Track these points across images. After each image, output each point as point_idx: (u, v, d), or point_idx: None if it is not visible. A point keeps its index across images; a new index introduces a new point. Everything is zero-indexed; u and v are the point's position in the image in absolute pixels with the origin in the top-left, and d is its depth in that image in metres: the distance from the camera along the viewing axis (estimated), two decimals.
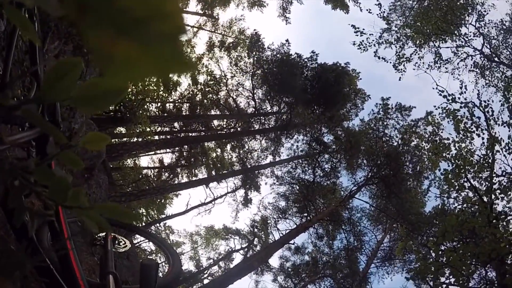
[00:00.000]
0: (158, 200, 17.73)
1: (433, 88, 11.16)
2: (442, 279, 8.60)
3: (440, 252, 9.63)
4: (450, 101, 10.56)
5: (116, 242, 2.03)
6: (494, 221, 8.21)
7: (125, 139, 15.06)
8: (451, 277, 8.14)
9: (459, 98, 10.49)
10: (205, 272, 19.18)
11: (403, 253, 13.44)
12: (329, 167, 17.17)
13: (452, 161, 10.00)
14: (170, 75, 0.25)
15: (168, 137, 17.80)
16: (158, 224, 18.56)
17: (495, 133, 9.15)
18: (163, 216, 18.25)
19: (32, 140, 1.40)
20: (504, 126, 8.89)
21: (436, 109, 10.39)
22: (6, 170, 0.55)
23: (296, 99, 16.45)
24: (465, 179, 9.39)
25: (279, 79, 15.75)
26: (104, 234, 1.94)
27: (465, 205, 9.87)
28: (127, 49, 0.23)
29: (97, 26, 0.23)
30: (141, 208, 17.38)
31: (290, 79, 15.63)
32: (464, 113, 10.22)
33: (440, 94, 10.95)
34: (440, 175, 12.13)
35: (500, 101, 9.57)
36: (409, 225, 12.43)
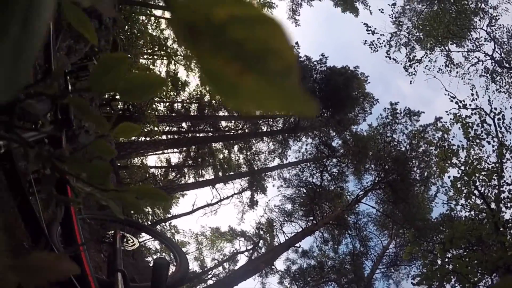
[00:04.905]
0: None
1: (445, 94, 11.12)
2: (448, 286, 8.50)
3: (446, 259, 9.51)
4: (461, 107, 10.47)
5: (125, 240, 2.03)
6: (501, 229, 8.10)
7: (133, 138, 15.18)
8: (456, 284, 8.04)
9: (470, 104, 10.39)
10: (209, 273, 19.19)
11: (409, 259, 13.30)
12: (337, 171, 17.08)
13: (461, 167, 9.90)
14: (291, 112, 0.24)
15: (176, 137, 17.90)
16: (163, 223, 18.62)
17: (507, 140, 9.04)
18: (169, 215, 18.31)
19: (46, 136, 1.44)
20: None
21: (448, 114, 10.30)
22: (44, 157, 0.58)
23: None
24: (474, 187, 9.29)
25: None
26: (112, 232, 1.96)
27: (472, 212, 9.74)
28: (252, 81, 0.23)
29: (210, 53, 0.23)
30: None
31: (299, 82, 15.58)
32: (475, 120, 10.12)
33: (452, 100, 10.88)
34: (448, 181, 11.98)
35: (511, 107, 9.45)
36: (415, 230, 12.30)
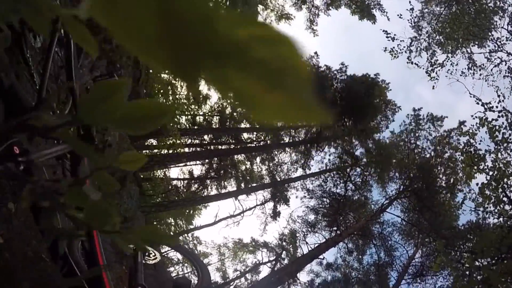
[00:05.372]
0: (187, 211, 17.98)
1: (470, 96, 10.87)
2: None
3: (477, 269, 9.16)
4: (487, 109, 10.18)
5: (146, 253, 2.04)
6: None
7: (156, 150, 15.51)
8: None
9: (496, 106, 10.07)
10: (231, 284, 19.08)
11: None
12: (361, 180, 16.79)
13: (489, 173, 9.54)
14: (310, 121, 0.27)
15: (198, 149, 18.15)
16: (186, 235, 18.77)
17: None
18: (192, 226, 18.48)
19: (67, 152, 1.45)
20: None
21: (474, 118, 10.02)
22: (38, 194, 0.54)
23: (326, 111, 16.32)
24: (503, 193, 8.92)
25: None
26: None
27: (501, 219, 9.35)
28: (277, 96, 0.25)
29: (237, 73, 0.25)
30: (170, 218, 17.69)
31: (320, 92, 15.41)
32: (503, 122, 9.78)
33: (478, 103, 10.60)
34: (475, 188, 11.56)
35: None
36: (442, 239, 11.87)
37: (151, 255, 2.07)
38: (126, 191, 8.65)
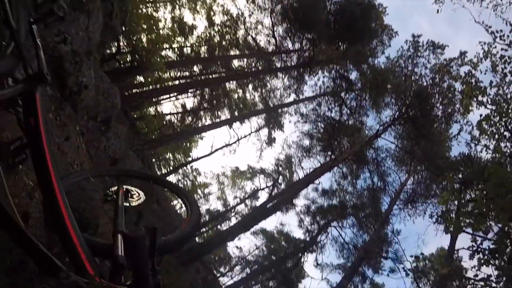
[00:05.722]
0: (184, 144, 18.06)
1: (476, 22, 10.36)
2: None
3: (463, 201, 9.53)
4: (497, 38, 9.69)
5: (129, 195, 1.87)
6: None
7: (145, 88, 14.95)
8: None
9: (508, 36, 9.60)
10: (232, 211, 20.10)
11: (426, 196, 13.52)
12: (356, 105, 16.62)
13: (487, 106, 9.40)
14: None
15: (188, 81, 17.55)
16: (185, 167, 19.16)
17: None
18: (189, 159, 18.74)
19: (18, 96, 1.33)
20: None
21: (482, 45, 9.53)
22: None
23: (319, 35, 15.51)
24: (505, 127, 8.87)
25: (300, 14, 14.73)
26: (115, 188, 1.83)
27: (495, 155, 9.49)
28: None
29: None
30: (168, 153, 17.84)
31: (312, 14, 14.60)
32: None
33: (487, 30, 10.07)
34: (472, 120, 11.52)
35: None
36: (435, 169, 12.24)
37: (134, 196, 1.91)
38: (112, 132, 8.42)
